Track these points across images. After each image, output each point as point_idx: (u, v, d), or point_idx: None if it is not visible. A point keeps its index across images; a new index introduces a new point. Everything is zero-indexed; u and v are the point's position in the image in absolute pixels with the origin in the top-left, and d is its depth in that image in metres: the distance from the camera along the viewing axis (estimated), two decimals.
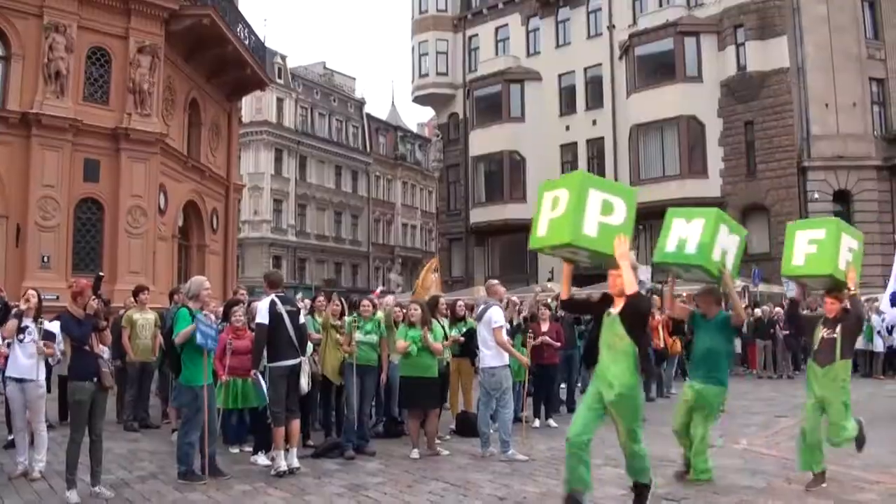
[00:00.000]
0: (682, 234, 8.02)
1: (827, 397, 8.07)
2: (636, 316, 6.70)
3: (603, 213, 6.47)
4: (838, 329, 8.09)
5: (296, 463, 8.89)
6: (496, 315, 10.09)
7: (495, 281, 11.17)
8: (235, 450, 10.26)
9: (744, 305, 23.52)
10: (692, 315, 8.71)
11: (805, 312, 10.84)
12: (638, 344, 6.64)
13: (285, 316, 8.94)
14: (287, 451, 8.93)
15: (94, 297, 8.00)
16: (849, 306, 8.26)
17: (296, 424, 9.13)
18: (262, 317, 9.02)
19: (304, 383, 9.16)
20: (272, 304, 9.00)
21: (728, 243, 8.04)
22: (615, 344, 6.59)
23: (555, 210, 6.58)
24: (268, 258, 56.58)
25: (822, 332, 8.25)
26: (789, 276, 9.11)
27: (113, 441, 10.79)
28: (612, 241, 6.43)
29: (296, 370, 9.07)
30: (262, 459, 9.42)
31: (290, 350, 8.99)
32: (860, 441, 8.45)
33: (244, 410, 10.42)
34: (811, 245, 8.45)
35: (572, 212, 6.38)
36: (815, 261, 8.40)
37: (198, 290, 8.86)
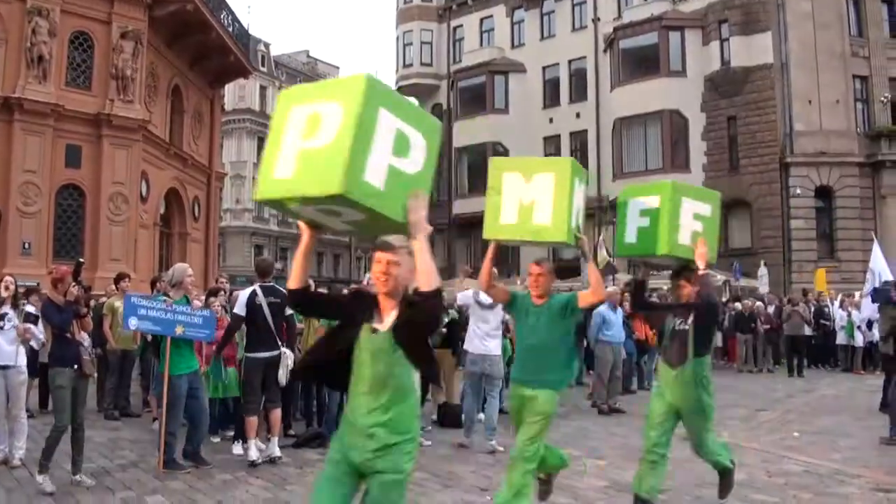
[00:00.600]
0: (525, 196, 5.83)
1: (683, 406, 6.63)
2: (422, 329, 4.09)
3: (395, 153, 3.89)
4: (691, 319, 6.60)
5: (277, 452, 8.85)
6: None
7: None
8: (216, 439, 10.23)
9: (724, 300, 23.89)
10: (513, 298, 6.56)
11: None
12: (427, 367, 4.15)
13: (265, 307, 8.88)
14: (269, 440, 8.92)
15: (74, 283, 7.93)
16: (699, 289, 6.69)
17: (276, 414, 9.08)
18: (239, 308, 9.02)
19: (282, 375, 9.06)
20: (252, 294, 8.96)
21: (580, 200, 6.08)
22: (384, 376, 3.93)
23: (313, 137, 3.81)
24: (249, 247, 56.46)
25: (673, 323, 6.80)
26: (623, 256, 7.50)
27: (93, 429, 10.71)
28: (403, 198, 3.92)
29: (274, 362, 8.98)
30: (237, 448, 9.40)
31: (268, 342, 8.92)
32: (724, 486, 7.02)
33: (227, 399, 10.40)
34: (643, 217, 6.71)
35: (351, 142, 3.66)
36: (647, 237, 6.68)
37: (181, 277, 8.81)
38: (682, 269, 6.87)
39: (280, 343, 9.02)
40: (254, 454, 8.66)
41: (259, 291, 8.99)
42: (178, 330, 8.39)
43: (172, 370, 8.40)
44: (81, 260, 9.21)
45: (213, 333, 9.00)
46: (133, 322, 8.37)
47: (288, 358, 9.06)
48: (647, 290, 7.54)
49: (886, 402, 13.35)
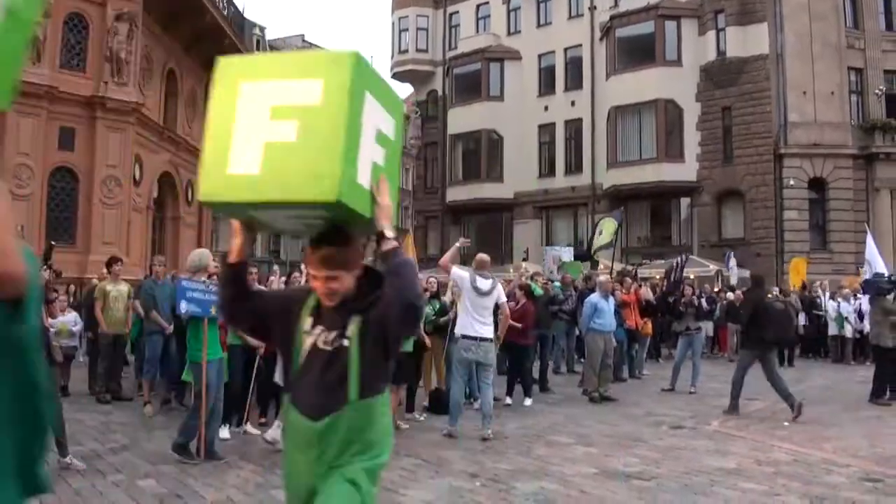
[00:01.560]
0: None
1: (324, 486, 3.22)
2: None
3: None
4: (353, 328, 3.30)
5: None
6: (503, 291, 10.37)
7: (486, 256, 10.96)
8: None
9: (716, 289, 23.92)
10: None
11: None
12: None
13: None
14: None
15: (45, 267, 7.86)
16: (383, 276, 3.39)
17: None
18: None
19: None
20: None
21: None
22: None
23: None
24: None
25: (310, 338, 3.37)
26: (210, 202, 3.35)
27: (85, 413, 10.76)
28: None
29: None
30: (224, 433, 9.34)
31: None
32: None
33: None
34: (282, 123, 3.05)
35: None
36: (275, 164, 3.02)
37: (207, 261, 8.82)
38: (334, 235, 3.32)
39: None
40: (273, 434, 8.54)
41: None
42: (214, 309, 8.35)
43: (199, 357, 8.39)
44: (53, 243, 9.19)
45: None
46: (184, 306, 8.35)
47: None
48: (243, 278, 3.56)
49: (875, 392, 13.54)
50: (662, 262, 27.90)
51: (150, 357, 11.41)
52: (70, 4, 22.10)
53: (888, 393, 13.63)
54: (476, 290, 9.98)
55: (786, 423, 11.07)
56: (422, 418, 11.27)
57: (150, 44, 25.20)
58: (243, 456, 8.36)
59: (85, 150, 22.03)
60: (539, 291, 14.36)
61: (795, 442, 9.59)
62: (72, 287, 14.54)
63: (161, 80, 26.69)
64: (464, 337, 10.04)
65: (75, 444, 7.97)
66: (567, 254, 26.73)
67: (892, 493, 7.24)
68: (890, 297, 14.17)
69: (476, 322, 9.98)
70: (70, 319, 12.74)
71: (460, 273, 10.42)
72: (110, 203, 22.22)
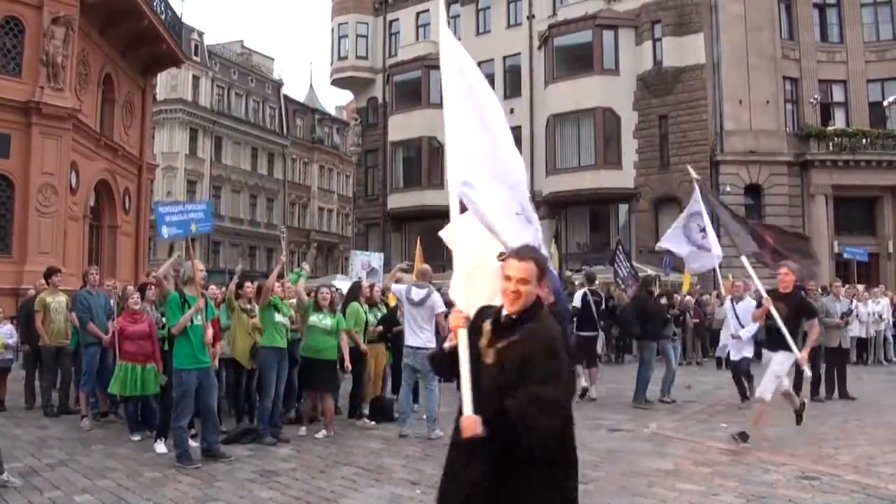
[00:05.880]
0: None
1: None
2: None
3: None
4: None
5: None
6: (439, 301, 10.50)
7: (427, 266, 11.48)
8: (137, 437, 9.93)
9: (657, 293, 24.18)
10: None
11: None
12: None
13: (592, 305, 13.58)
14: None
15: None
16: None
17: None
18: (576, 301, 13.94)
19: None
20: (584, 295, 13.55)
21: None
22: None
23: None
24: (180, 241, 55.63)
25: None
26: None
27: (20, 428, 10.57)
28: None
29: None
30: (160, 447, 9.16)
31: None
32: None
33: (148, 398, 10.03)
34: None
35: None
36: None
37: (193, 273, 8.79)
38: None
39: None
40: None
41: (589, 294, 13.28)
42: (193, 227, 8.95)
43: (178, 363, 8.52)
44: None
45: (210, 224, 9.80)
46: (165, 231, 8.83)
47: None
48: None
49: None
50: (602, 267, 28.14)
51: (87, 369, 11.20)
52: (6, 7, 21.60)
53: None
54: (409, 300, 10.39)
55: (723, 425, 11.25)
56: (371, 424, 11.20)
57: (87, 48, 24.76)
58: (181, 469, 8.27)
59: (20, 157, 21.52)
60: None
61: (733, 442, 9.74)
62: (30, 292, 14.20)
63: (98, 86, 26.25)
64: (405, 346, 10.57)
65: (11, 461, 7.84)
66: (377, 260, 24.91)
67: (829, 490, 7.42)
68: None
69: (414, 332, 10.40)
70: (6, 332, 12.48)
71: (398, 287, 11.05)
72: (46, 212, 21.70)
